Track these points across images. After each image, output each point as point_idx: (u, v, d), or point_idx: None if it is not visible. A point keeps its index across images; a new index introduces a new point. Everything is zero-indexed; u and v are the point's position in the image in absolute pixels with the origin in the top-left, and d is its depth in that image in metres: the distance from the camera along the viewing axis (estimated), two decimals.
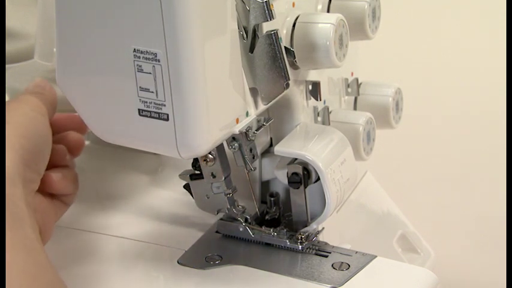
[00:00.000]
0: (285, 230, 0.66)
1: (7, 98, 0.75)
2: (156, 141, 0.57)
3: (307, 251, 0.65)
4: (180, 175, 0.66)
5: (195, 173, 0.65)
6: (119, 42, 0.55)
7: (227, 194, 0.64)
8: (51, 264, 0.54)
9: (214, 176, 0.63)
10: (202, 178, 0.64)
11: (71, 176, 0.64)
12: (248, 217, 0.66)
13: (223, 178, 0.63)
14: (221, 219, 0.68)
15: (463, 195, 1.11)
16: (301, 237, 0.65)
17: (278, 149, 0.65)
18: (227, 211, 0.65)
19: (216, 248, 0.66)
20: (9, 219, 0.52)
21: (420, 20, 1.29)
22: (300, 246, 0.65)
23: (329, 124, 0.71)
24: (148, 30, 0.53)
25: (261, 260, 0.65)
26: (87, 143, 0.76)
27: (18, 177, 0.55)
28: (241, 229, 0.66)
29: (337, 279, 0.62)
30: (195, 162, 0.65)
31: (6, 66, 0.73)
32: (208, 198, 0.65)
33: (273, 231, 0.66)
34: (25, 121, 0.58)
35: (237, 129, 0.59)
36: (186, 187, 0.67)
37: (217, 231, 0.68)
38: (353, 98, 0.76)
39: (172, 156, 0.57)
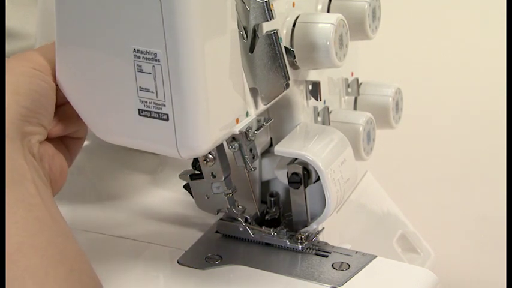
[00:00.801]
0: (285, 230, 0.66)
1: None
2: (156, 141, 0.57)
3: (307, 251, 0.65)
4: (180, 175, 0.66)
5: (195, 173, 0.65)
6: (119, 42, 0.55)
7: (227, 194, 0.64)
8: (56, 217, 0.54)
9: (214, 176, 0.63)
10: (202, 178, 0.64)
11: (66, 115, 0.61)
12: (248, 217, 0.66)
13: (223, 178, 0.63)
14: (221, 219, 0.68)
15: (463, 195, 1.11)
16: (301, 237, 0.65)
17: (278, 149, 0.65)
18: (227, 211, 0.65)
19: (216, 248, 0.66)
20: (8, 178, 0.52)
21: (420, 20, 1.29)
22: (300, 246, 0.65)
23: (329, 124, 0.71)
24: (148, 30, 0.53)
25: (261, 260, 0.65)
26: (87, 143, 0.76)
27: (16, 133, 0.55)
28: (241, 229, 0.66)
29: (337, 279, 0.62)
30: (195, 162, 0.65)
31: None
32: (208, 198, 0.65)
33: (273, 231, 0.66)
34: (21, 79, 0.57)
35: (237, 129, 0.59)
36: (186, 187, 0.67)
37: (217, 231, 0.68)
38: (353, 98, 0.76)
39: (172, 156, 0.57)
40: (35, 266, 0.50)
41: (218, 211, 0.66)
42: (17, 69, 0.57)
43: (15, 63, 0.58)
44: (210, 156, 0.62)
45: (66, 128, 0.62)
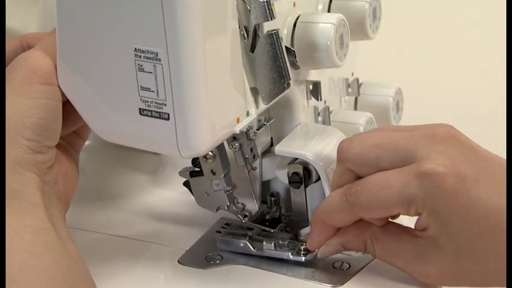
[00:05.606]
0: (287, 241, 0.64)
1: None
2: (156, 141, 0.57)
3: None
4: (179, 172, 0.66)
5: (195, 170, 0.65)
6: (119, 41, 0.55)
7: (227, 191, 0.64)
8: (65, 239, 0.56)
9: (214, 173, 0.63)
10: (202, 175, 0.64)
11: (71, 112, 0.61)
12: (247, 214, 0.66)
13: (223, 175, 0.63)
14: (220, 234, 0.67)
15: None
16: (304, 248, 0.64)
17: (279, 148, 0.65)
18: (227, 208, 0.65)
19: (217, 247, 0.66)
20: (20, 206, 0.54)
21: (420, 20, 1.29)
22: (303, 258, 0.64)
23: (329, 124, 0.71)
24: (149, 29, 0.53)
25: (261, 259, 0.64)
26: (87, 142, 0.76)
27: (30, 166, 0.56)
28: (241, 245, 0.65)
29: (338, 279, 0.62)
30: (195, 159, 0.65)
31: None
32: (208, 195, 0.65)
33: (273, 231, 0.66)
34: (27, 110, 0.57)
35: (237, 128, 0.59)
36: (186, 184, 0.67)
37: (217, 231, 0.68)
38: (353, 98, 0.76)
39: (173, 156, 0.57)
40: (35, 285, 0.52)
41: (218, 208, 0.66)
42: (24, 94, 0.57)
43: (20, 85, 0.57)
44: (209, 153, 0.62)
45: (71, 126, 0.62)
